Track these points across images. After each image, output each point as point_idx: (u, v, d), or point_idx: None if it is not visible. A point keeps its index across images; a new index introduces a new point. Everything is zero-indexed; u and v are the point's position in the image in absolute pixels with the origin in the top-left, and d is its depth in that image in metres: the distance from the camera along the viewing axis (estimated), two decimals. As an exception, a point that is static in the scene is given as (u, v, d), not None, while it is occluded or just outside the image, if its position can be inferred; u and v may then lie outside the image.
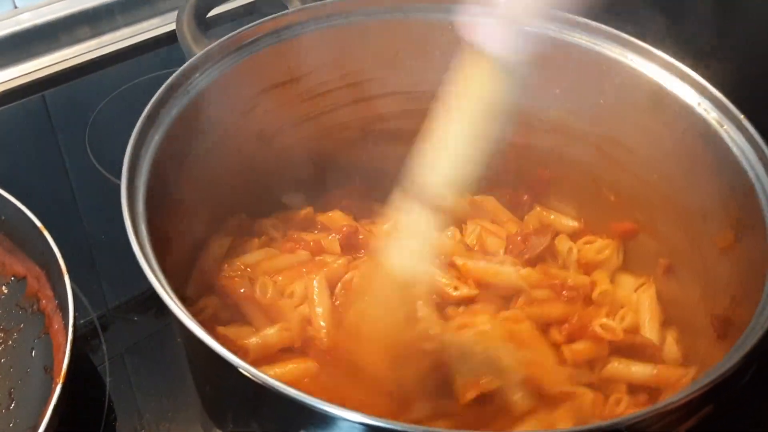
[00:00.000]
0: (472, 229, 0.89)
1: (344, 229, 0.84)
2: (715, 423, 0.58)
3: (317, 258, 0.83)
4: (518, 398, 0.70)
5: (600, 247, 0.86)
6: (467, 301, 0.79)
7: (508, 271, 0.82)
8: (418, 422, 0.66)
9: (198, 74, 0.76)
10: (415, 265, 0.65)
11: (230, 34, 0.79)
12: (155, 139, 0.70)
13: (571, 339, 0.78)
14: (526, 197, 0.92)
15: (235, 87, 0.79)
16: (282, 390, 0.51)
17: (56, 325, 0.76)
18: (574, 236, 0.89)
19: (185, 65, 0.75)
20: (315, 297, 0.78)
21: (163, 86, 0.73)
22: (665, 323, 0.80)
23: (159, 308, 0.82)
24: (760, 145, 0.70)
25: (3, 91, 1.14)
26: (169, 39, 1.20)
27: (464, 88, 0.59)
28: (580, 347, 0.77)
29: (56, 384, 0.65)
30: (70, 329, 0.69)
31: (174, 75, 0.74)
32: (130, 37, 1.23)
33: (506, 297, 0.81)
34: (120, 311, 0.86)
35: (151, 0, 1.24)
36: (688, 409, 0.54)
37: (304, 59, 0.83)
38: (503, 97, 0.59)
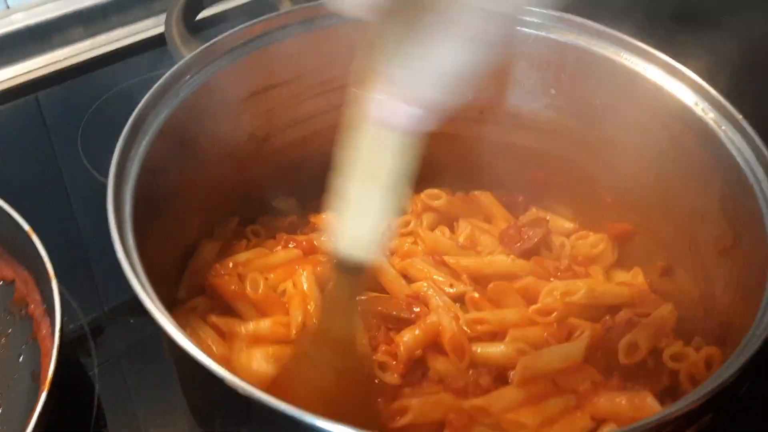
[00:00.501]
0: (464, 227, 0.88)
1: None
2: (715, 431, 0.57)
3: (310, 257, 0.82)
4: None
5: (594, 242, 0.86)
6: (462, 298, 0.78)
7: (502, 259, 0.82)
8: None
9: (188, 77, 0.75)
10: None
11: (220, 37, 0.78)
12: (143, 143, 0.70)
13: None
14: (521, 198, 0.92)
15: (225, 90, 0.78)
16: (269, 403, 0.50)
17: (44, 330, 0.75)
18: (569, 236, 0.88)
19: (173, 69, 0.74)
20: (306, 291, 0.77)
21: (151, 90, 0.72)
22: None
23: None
24: (758, 146, 0.69)
25: (-4, 92, 1.13)
26: (164, 40, 1.19)
27: (365, 160, 0.55)
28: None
29: (42, 391, 0.65)
30: (57, 335, 0.68)
31: (162, 79, 0.73)
32: (124, 38, 1.22)
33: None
34: (115, 314, 0.85)
35: (145, 1, 1.23)
36: (688, 418, 0.54)
37: (295, 62, 0.82)
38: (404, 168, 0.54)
